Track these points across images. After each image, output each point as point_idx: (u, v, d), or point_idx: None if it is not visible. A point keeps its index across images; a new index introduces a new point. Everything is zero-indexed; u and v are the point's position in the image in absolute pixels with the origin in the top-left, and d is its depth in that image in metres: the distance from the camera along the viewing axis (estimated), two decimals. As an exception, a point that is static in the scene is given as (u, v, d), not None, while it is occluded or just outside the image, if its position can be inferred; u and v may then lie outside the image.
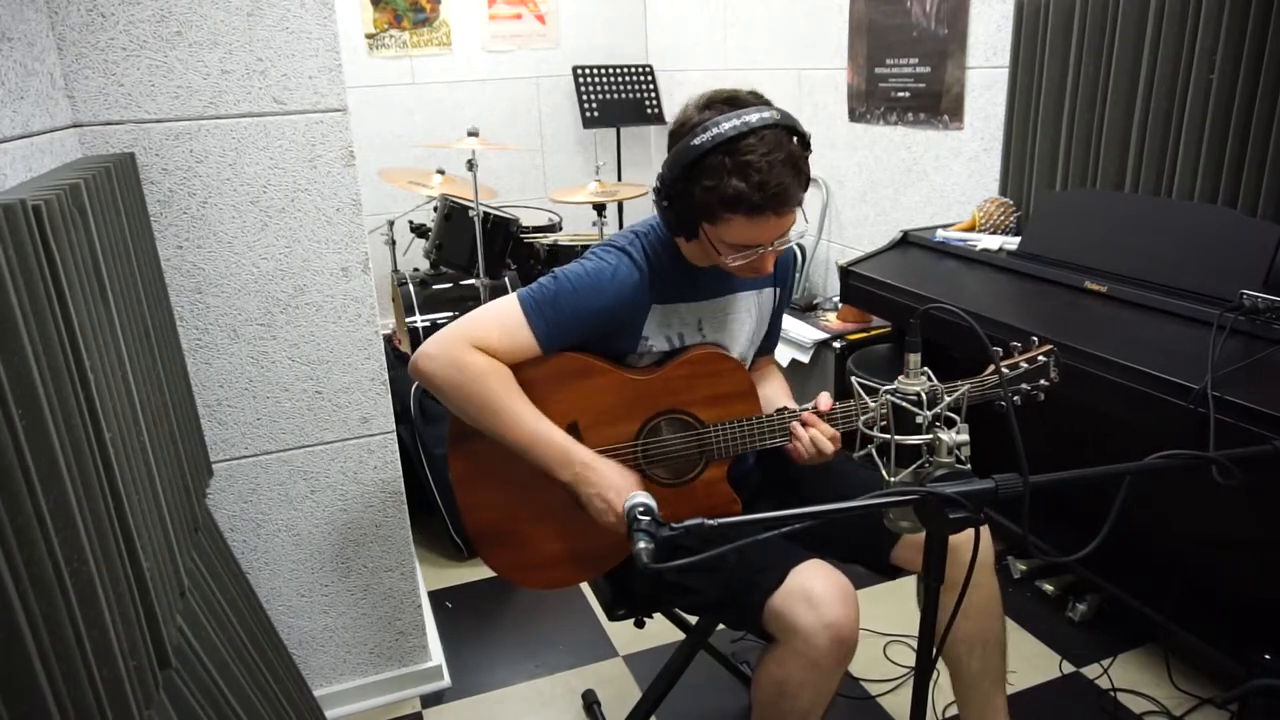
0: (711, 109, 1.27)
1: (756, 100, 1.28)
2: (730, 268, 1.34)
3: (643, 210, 4.64)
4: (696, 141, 1.24)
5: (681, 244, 1.41)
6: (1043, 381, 1.42)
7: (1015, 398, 1.41)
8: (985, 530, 1.32)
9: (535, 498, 1.41)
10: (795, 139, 1.26)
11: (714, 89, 1.31)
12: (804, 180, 1.27)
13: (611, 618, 1.52)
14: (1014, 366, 1.41)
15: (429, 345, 1.33)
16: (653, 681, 1.59)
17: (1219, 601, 1.88)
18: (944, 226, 2.52)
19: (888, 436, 1.04)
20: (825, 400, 1.40)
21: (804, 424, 1.38)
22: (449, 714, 1.97)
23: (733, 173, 1.22)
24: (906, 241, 2.55)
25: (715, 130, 1.23)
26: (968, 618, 1.43)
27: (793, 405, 1.50)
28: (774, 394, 1.58)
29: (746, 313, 1.51)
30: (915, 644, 1.15)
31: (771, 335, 1.63)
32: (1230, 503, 1.80)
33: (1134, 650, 2.03)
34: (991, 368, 1.36)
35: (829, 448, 1.37)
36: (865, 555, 1.51)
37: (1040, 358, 1.42)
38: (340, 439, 1.78)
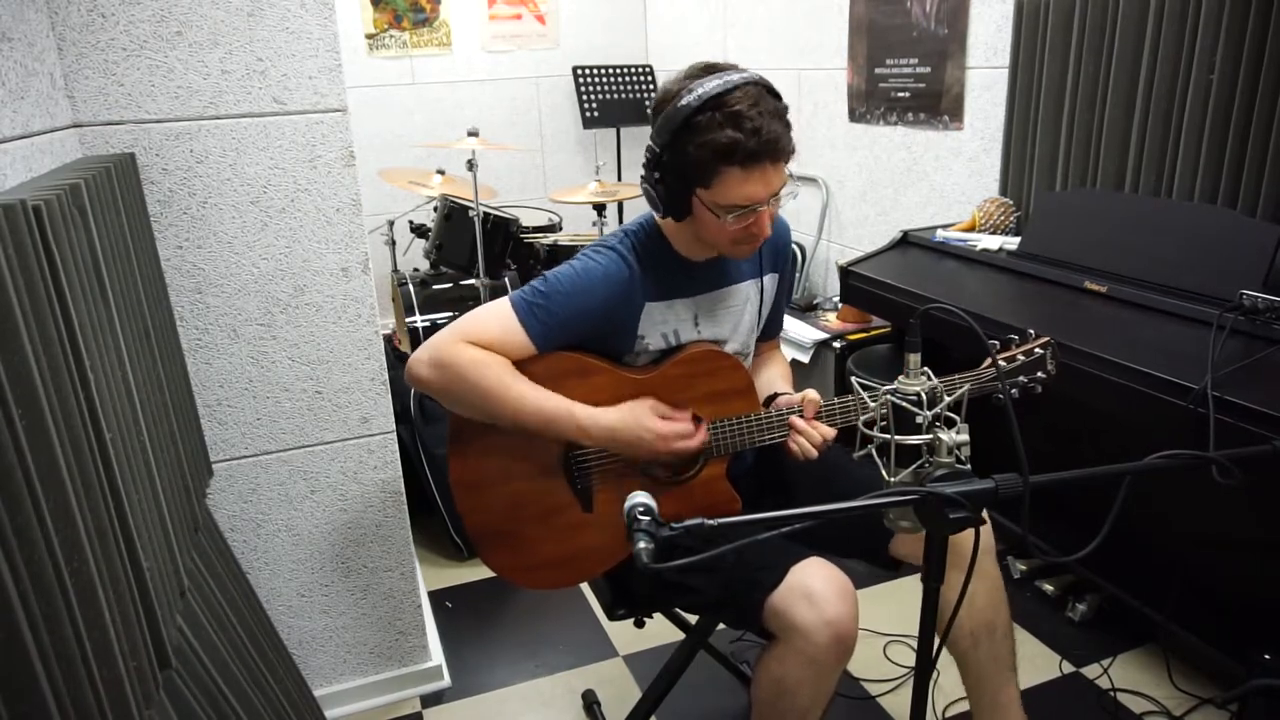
0: (693, 78, 1.28)
1: (737, 68, 1.30)
2: (729, 239, 1.33)
3: (643, 210, 4.63)
4: (682, 103, 1.25)
5: (673, 235, 1.41)
6: (1040, 374, 1.43)
7: (1013, 390, 1.41)
8: (985, 518, 1.32)
9: (535, 499, 1.41)
10: (775, 98, 1.29)
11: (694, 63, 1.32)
12: (790, 135, 1.29)
13: (611, 618, 1.52)
14: (1011, 359, 1.41)
15: (420, 350, 1.34)
16: (653, 681, 1.59)
17: (1219, 601, 1.88)
18: (944, 226, 2.52)
19: (888, 436, 1.04)
20: (811, 406, 1.39)
21: (794, 427, 1.39)
22: (449, 714, 1.97)
23: (724, 124, 1.23)
24: (906, 241, 2.55)
25: (700, 90, 1.24)
26: (973, 608, 1.43)
27: (789, 391, 1.49)
28: (773, 378, 1.58)
29: (746, 302, 1.51)
30: (915, 644, 1.15)
31: (774, 321, 1.63)
32: (1230, 503, 1.80)
33: (1134, 650, 2.03)
34: (988, 361, 1.36)
35: (813, 453, 1.38)
36: (864, 550, 1.51)
37: (1037, 350, 1.42)
38: (340, 439, 1.78)
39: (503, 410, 1.32)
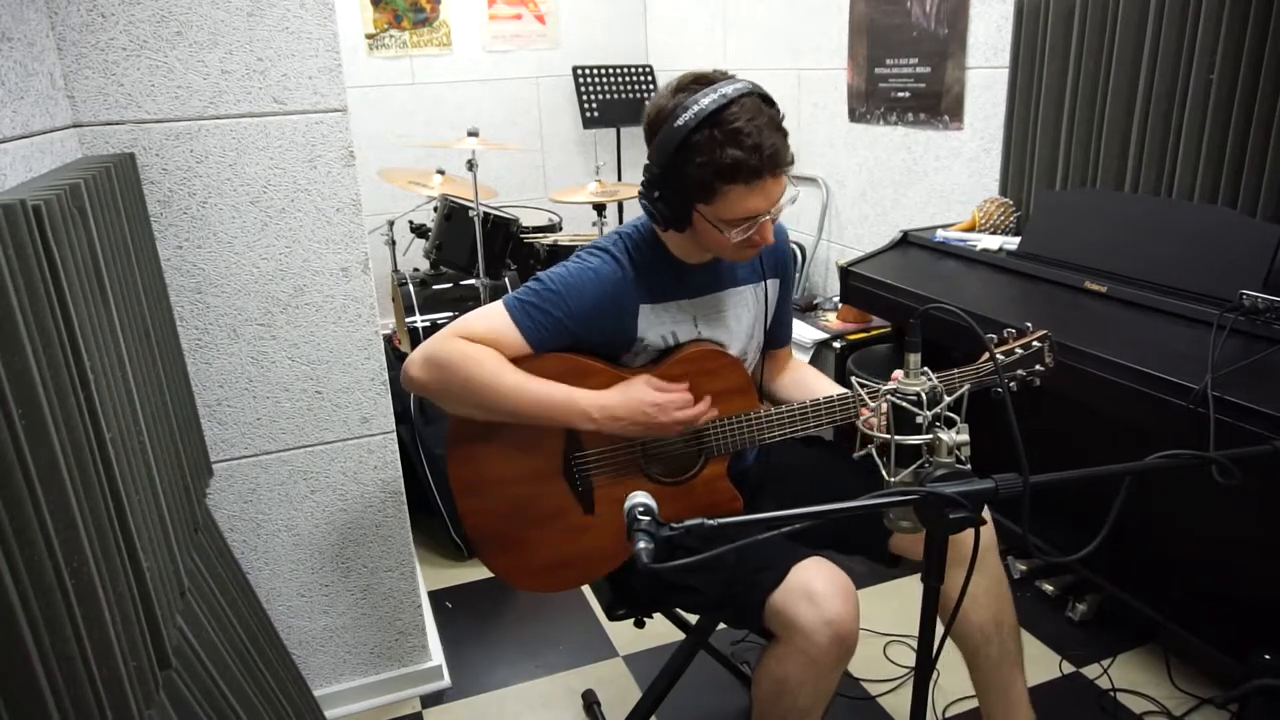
0: (684, 91, 1.27)
1: (725, 76, 1.28)
2: (733, 248, 1.32)
3: (640, 212, 4.62)
4: (679, 123, 1.24)
5: (669, 238, 1.41)
6: (1038, 367, 1.42)
7: (1011, 384, 1.40)
8: (987, 515, 1.32)
9: (535, 502, 1.41)
10: (770, 106, 1.27)
11: (680, 75, 1.31)
12: (788, 143, 1.28)
13: (611, 618, 1.52)
14: (1009, 353, 1.41)
15: (414, 353, 1.34)
16: (653, 681, 1.59)
17: (1219, 601, 1.88)
18: (944, 226, 2.52)
19: (888, 437, 1.04)
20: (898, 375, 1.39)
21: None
22: (449, 714, 1.97)
23: (724, 143, 1.22)
24: (906, 241, 2.55)
25: (695, 108, 1.23)
26: (978, 604, 1.43)
27: (830, 392, 1.48)
28: (817, 383, 1.59)
29: (744, 307, 1.50)
30: (915, 644, 1.15)
31: (783, 327, 1.62)
32: (1230, 503, 1.80)
33: (1134, 650, 2.03)
34: (985, 355, 1.36)
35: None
36: (864, 547, 1.51)
37: (1035, 343, 1.42)
38: (340, 439, 1.78)
39: (500, 401, 1.31)
